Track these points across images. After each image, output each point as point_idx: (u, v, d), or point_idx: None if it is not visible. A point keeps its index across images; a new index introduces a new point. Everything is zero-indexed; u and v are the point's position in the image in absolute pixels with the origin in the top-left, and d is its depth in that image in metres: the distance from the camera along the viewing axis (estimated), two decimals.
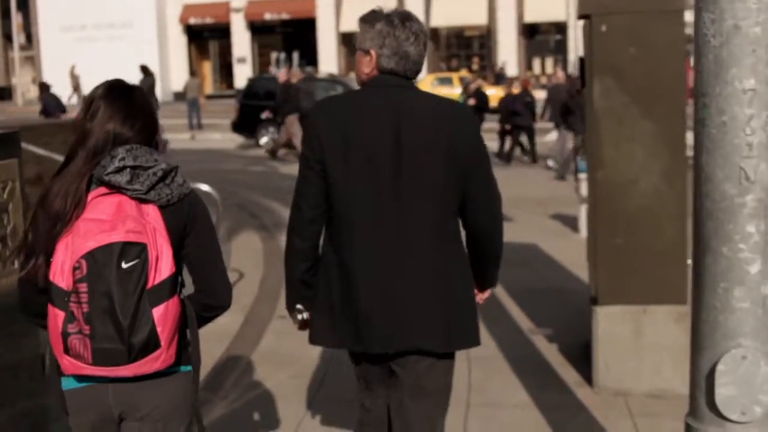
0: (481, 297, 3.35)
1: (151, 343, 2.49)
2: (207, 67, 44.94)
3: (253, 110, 22.06)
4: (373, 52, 3.11)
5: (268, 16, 41.45)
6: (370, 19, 3.14)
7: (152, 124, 2.71)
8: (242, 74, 38.84)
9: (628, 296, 5.14)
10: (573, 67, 38.47)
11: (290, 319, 3.29)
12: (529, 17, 39.36)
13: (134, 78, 30.74)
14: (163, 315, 2.50)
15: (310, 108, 3.27)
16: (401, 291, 3.07)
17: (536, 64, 41.25)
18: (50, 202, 2.57)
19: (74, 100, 36.78)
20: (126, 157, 2.55)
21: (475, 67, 40.61)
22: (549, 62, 40.90)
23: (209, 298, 2.74)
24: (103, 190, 2.57)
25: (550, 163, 16.91)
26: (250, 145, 22.23)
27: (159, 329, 2.49)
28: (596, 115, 5.12)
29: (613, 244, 5.13)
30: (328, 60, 40.60)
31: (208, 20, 42.40)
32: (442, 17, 39.55)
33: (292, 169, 17.17)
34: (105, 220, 2.51)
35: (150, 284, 2.49)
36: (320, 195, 3.09)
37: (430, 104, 3.13)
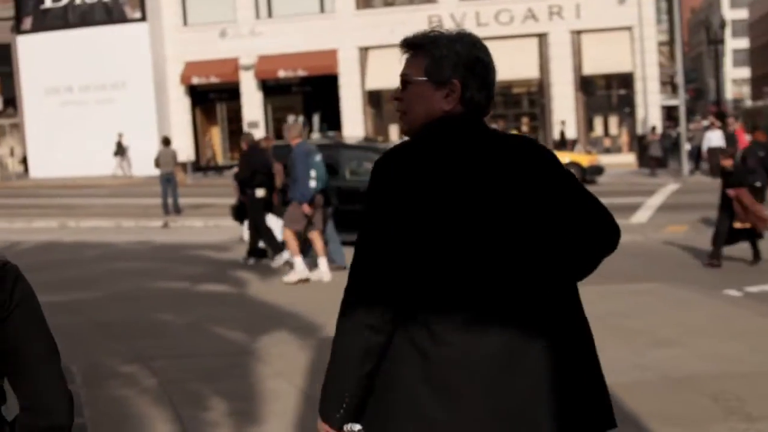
0: None
1: None
2: (215, 134, 39.11)
3: None
4: (456, 82, 2.43)
5: (282, 74, 35.57)
6: (442, 39, 2.41)
7: None
8: None
9: None
10: (641, 126, 32.53)
11: None
12: (588, 69, 33.32)
13: (131, 146, 25.44)
14: None
15: (379, 163, 2.44)
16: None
17: (598, 122, 35.15)
18: None
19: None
20: None
21: (525, 128, 34.53)
22: (613, 121, 34.85)
23: (39, 417, 1.98)
24: None
25: None
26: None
27: None
28: None
29: None
30: (353, 123, 34.74)
31: (214, 80, 36.47)
32: None
33: (271, 293, 9.07)
34: None
35: None
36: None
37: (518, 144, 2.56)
